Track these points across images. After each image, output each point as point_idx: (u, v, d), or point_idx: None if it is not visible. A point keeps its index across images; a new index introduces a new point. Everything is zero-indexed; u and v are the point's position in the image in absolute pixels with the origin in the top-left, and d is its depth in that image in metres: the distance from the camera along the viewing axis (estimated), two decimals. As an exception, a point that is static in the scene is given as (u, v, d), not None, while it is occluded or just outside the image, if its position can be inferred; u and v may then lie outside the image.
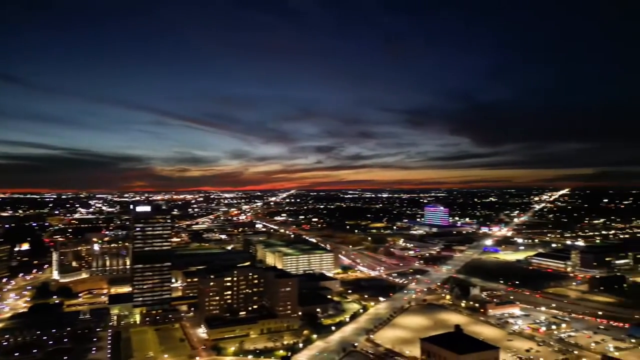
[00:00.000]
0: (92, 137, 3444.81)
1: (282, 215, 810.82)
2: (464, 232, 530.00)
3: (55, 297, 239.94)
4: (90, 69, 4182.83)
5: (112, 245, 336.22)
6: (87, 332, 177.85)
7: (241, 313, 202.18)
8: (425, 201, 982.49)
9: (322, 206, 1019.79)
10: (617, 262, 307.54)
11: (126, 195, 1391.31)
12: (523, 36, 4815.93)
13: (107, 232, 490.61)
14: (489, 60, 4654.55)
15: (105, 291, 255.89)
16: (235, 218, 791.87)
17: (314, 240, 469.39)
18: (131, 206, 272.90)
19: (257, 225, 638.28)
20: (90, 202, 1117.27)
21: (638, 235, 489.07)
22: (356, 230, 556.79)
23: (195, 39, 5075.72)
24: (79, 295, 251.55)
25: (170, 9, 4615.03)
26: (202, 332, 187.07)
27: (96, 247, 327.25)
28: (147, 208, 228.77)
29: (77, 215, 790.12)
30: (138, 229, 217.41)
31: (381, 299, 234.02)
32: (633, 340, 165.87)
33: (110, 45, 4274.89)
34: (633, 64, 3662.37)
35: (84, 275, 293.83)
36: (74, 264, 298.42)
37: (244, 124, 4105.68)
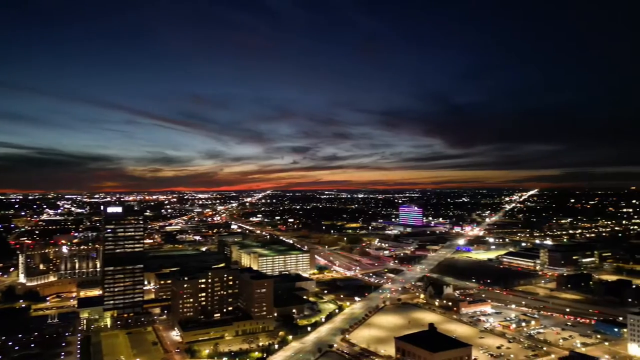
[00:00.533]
0: (60, 136, 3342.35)
1: (258, 216, 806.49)
2: (437, 231, 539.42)
3: (21, 301, 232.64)
4: (59, 66, 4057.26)
5: (82, 247, 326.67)
6: (55, 337, 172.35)
7: (216, 315, 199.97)
8: (399, 201, 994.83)
9: (298, 207, 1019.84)
10: (584, 260, 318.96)
11: (97, 196, 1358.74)
12: (496, 39, 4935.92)
13: (76, 234, 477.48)
14: (463, 62, 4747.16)
15: (74, 294, 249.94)
16: (209, 219, 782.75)
17: (290, 240, 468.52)
18: (102, 207, 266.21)
19: (232, 226, 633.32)
20: (58, 202, 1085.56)
21: (603, 234, 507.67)
22: (332, 231, 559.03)
23: (168, 36, 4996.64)
24: (47, 299, 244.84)
25: (143, 7, 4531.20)
26: (175, 335, 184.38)
27: (65, 249, 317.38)
28: (119, 209, 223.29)
29: (44, 217, 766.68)
30: (109, 230, 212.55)
31: (357, 298, 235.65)
32: (599, 336, 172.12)
33: (80, 43, 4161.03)
34: (599, 68, 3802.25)
35: (52, 278, 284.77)
36: (41, 266, 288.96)
37: (218, 124, 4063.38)
